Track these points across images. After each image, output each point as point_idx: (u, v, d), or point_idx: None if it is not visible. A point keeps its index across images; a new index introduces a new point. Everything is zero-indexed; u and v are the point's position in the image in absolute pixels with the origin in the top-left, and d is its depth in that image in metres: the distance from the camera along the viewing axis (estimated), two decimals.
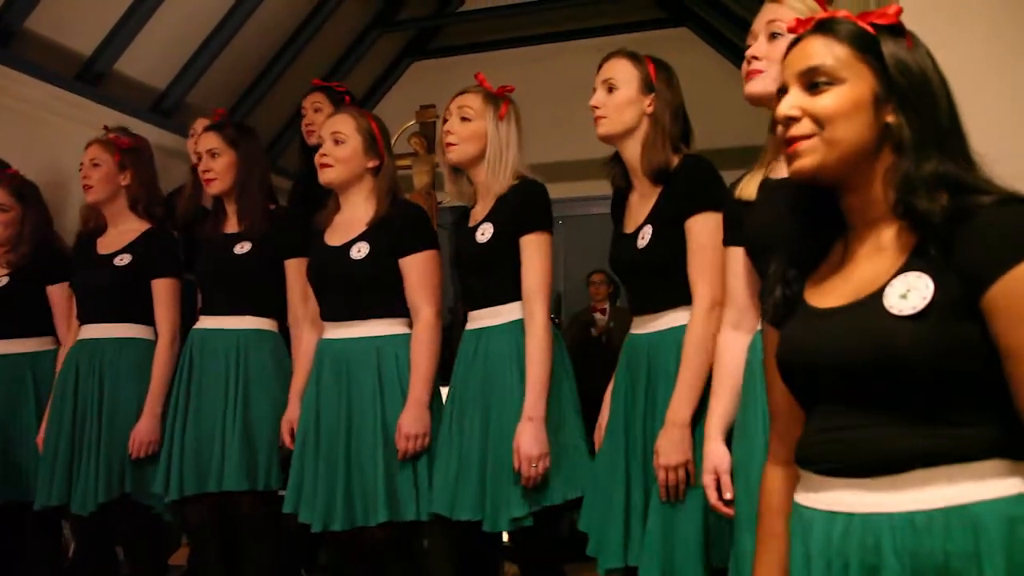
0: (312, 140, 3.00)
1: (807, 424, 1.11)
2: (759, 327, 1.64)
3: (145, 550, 2.65)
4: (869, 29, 1.08)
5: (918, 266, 1.01)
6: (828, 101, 1.06)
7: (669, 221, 1.94)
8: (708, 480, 1.70)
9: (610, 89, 1.99)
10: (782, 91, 1.12)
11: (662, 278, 1.95)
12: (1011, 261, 0.95)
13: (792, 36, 1.15)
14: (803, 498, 1.09)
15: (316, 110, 3.02)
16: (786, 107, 1.09)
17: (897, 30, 1.09)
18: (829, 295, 1.10)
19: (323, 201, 2.52)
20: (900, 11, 1.10)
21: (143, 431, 2.53)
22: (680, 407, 1.81)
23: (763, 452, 1.54)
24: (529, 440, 2.03)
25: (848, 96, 1.06)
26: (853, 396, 1.04)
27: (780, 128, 1.11)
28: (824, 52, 1.08)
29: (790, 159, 1.09)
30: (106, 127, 3.06)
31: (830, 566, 1.02)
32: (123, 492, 2.54)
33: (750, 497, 1.55)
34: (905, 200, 1.02)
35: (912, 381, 0.99)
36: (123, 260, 2.64)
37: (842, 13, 1.12)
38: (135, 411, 2.56)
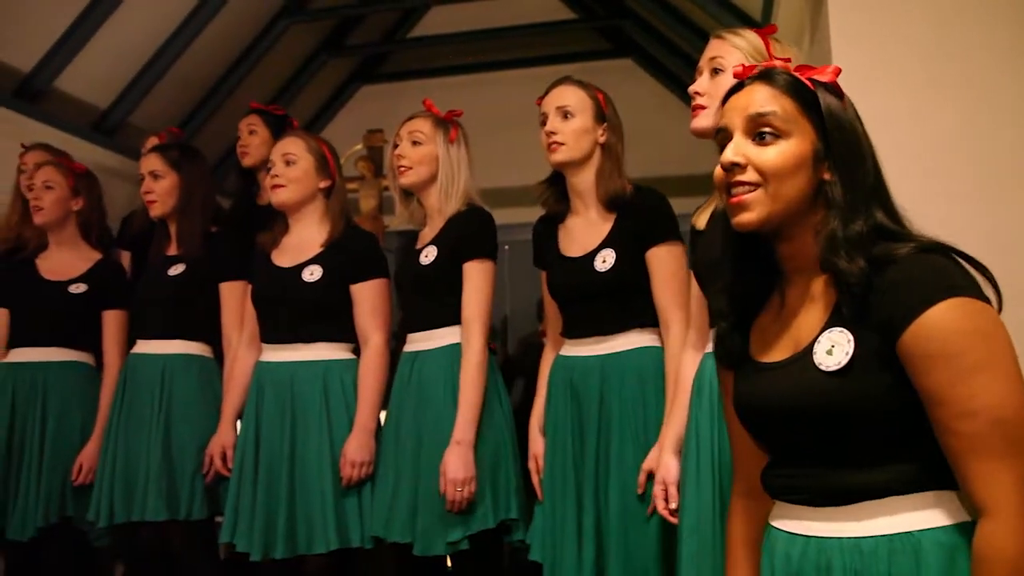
0: (246, 162, 2.99)
1: (770, 461, 1.18)
2: (707, 349, 1.72)
3: None
4: (810, 85, 1.11)
5: (841, 320, 1.07)
6: (775, 156, 1.09)
7: (630, 247, 1.99)
8: (657, 490, 1.78)
9: (565, 116, 2.02)
10: (722, 132, 1.15)
11: (621, 301, 1.99)
12: (919, 309, 1.00)
13: (734, 77, 1.18)
14: (773, 518, 1.17)
15: (251, 132, 3.01)
16: (732, 154, 1.11)
17: (833, 89, 1.13)
18: (771, 347, 1.16)
19: (260, 222, 2.51)
20: (839, 71, 1.14)
21: (89, 456, 2.48)
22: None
23: (694, 468, 1.67)
24: (456, 464, 2.04)
25: (793, 152, 1.09)
26: (799, 442, 1.11)
27: (720, 171, 1.12)
28: (772, 101, 1.11)
29: (733, 210, 1.12)
30: (23, 145, 3.01)
31: None
32: (63, 516, 2.48)
33: (684, 509, 1.69)
34: (828, 259, 1.07)
35: (845, 429, 1.05)
36: (79, 288, 2.62)
37: (780, 64, 1.16)
38: (79, 436, 2.52)
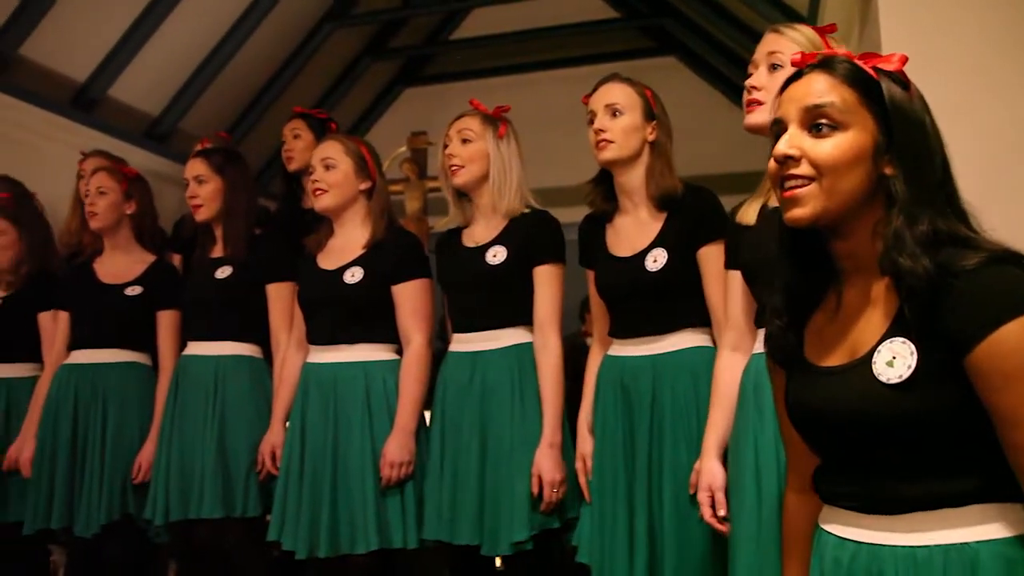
0: (291, 166, 3.04)
1: (821, 464, 1.15)
2: (755, 350, 1.69)
3: (138, 573, 2.64)
4: (872, 73, 1.06)
5: (903, 330, 1.02)
6: (831, 149, 1.04)
7: (681, 247, 1.96)
8: (703, 497, 1.74)
9: (614, 113, 2.00)
10: (777, 123, 1.09)
11: (672, 301, 1.97)
12: (993, 324, 0.95)
13: (792, 68, 1.13)
14: (823, 521, 1.14)
15: (295, 136, 3.05)
16: (785, 146, 1.06)
17: (898, 79, 1.07)
18: (828, 350, 1.11)
19: (306, 225, 2.53)
20: (905, 60, 1.08)
21: (148, 454, 2.54)
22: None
23: (753, 473, 1.61)
24: (551, 466, 2.05)
25: (851, 145, 1.03)
26: (853, 450, 1.08)
27: (774, 164, 1.08)
28: (830, 91, 1.05)
29: (786, 204, 1.07)
30: (82, 152, 3.09)
31: None
32: (124, 513, 2.54)
33: (742, 515, 1.63)
34: (891, 259, 1.01)
35: (902, 442, 1.02)
36: (135, 291, 2.67)
37: (843, 52, 1.10)
38: (138, 435, 2.58)
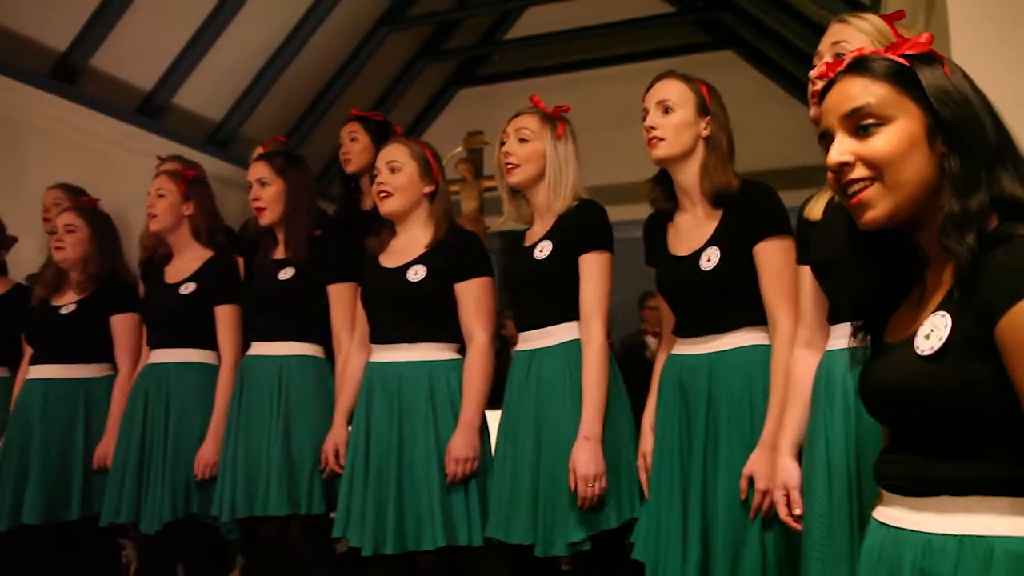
0: (349, 168, 3.07)
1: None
2: (828, 347, 1.66)
3: (205, 568, 2.70)
4: (903, 62, 1.05)
5: (948, 304, 1.00)
6: (883, 144, 1.02)
7: (736, 244, 1.93)
8: (778, 496, 1.71)
9: (666, 110, 1.98)
10: (824, 136, 1.08)
11: (727, 300, 1.94)
12: (1017, 295, 0.91)
13: (820, 78, 1.14)
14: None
15: (352, 139, 3.08)
16: (837, 154, 1.04)
17: (931, 59, 1.06)
18: (897, 329, 1.10)
19: (365, 226, 2.55)
20: (931, 39, 1.07)
21: (207, 453, 2.59)
22: (774, 431, 1.79)
23: (824, 473, 1.58)
24: (586, 459, 2.01)
25: (900, 135, 1.02)
26: (896, 426, 1.07)
27: (832, 176, 1.06)
28: (864, 92, 1.04)
29: (856, 210, 1.05)
30: (159, 157, 3.17)
31: (874, 571, 1.07)
32: (188, 512, 2.59)
33: (813, 517, 1.60)
34: (940, 240, 1.00)
35: (932, 416, 1.00)
36: (188, 288, 2.71)
37: (870, 50, 1.09)
38: (199, 433, 2.62)
